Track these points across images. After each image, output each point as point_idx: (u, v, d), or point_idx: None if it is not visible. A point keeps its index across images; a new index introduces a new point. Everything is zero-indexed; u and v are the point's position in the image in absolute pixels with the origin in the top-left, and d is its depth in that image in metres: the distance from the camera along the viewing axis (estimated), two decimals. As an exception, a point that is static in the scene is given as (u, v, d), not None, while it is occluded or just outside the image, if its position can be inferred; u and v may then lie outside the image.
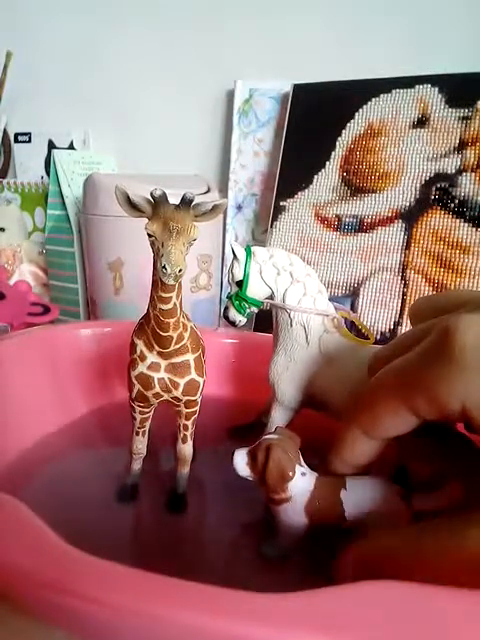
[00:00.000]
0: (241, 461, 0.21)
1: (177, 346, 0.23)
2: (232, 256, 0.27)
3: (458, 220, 0.44)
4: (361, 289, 0.46)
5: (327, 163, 0.49)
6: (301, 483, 0.20)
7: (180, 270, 0.19)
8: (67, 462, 0.30)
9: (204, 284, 0.50)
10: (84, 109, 0.65)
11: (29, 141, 0.67)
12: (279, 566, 0.22)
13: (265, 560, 0.22)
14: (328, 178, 0.49)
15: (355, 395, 0.20)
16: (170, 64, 0.60)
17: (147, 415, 0.26)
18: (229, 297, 0.28)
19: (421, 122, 0.46)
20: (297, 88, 0.52)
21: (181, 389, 0.24)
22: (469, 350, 0.15)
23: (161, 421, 0.27)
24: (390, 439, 0.19)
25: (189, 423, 0.26)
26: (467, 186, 0.43)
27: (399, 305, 0.45)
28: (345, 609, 0.13)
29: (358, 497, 0.20)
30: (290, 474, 0.20)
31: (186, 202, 0.19)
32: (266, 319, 0.31)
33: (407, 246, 0.45)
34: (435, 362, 0.16)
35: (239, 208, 0.58)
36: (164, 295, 0.21)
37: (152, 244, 0.20)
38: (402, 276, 0.45)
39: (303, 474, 0.21)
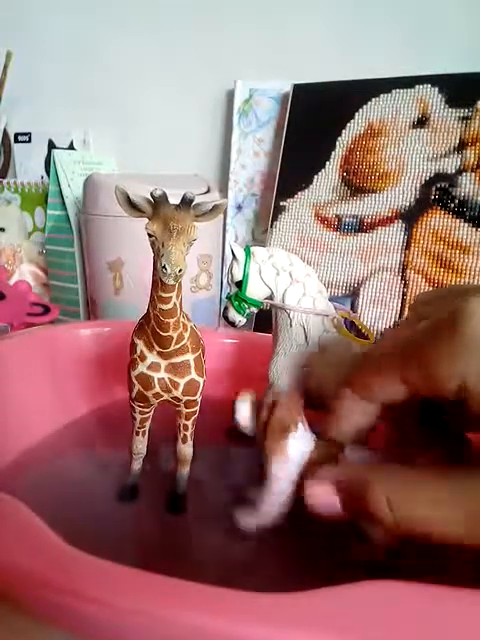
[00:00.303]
0: (244, 411, 0.21)
1: (177, 346, 0.23)
2: (231, 256, 0.27)
3: (458, 220, 0.44)
4: (361, 289, 0.46)
5: (327, 163, 0.49)
6: (300, 444, 0.20)
7: (180, 270, 0.19)
8: (67, 462, 0.30)
9: (204, 284, 0.50)
10: (84, 109, 0.65)
11: (29, 141, 0.67)
12: (279, 566, 0.22)
13: (244, 538, 0.21)
14: (328, 178, 0.49)
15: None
16: (170, 64, 0.60)
17: (147, 415, 0.26)
18: (229, 297, 0.28)
19: (421, 122, 0.46)
20: (297, 88, 0.51)
21: (181, 389, 0.24)
22: (476, 330, 0.15)
23: (161, 421, 0.27)
24: (385, 411, 0.19)
25: (189, 423, 0.26)
26: (467, 186, 0.43)
27: (399, 305, 0.45)
28: (345, 609, 0.13)
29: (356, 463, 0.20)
30: (292, 430, 0.20)
31: (186, 202, 0.19)
32: (266, 319, 0.31)
33: (407, 246, 0.45)
34: (440, 339, 0.16)
35: (239, 208, 0.58)
36: (164, 295, 0.21)
37: (152, 244, 0.20)
38: (402, 276, 0.45)
39: (303, 436, 0.20)
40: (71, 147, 0.64)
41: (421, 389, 0.17)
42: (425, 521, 0.15)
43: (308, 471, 0.19)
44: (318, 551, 0.22)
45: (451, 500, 0.15)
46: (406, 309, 0.44)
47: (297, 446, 0.20)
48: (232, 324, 0.28)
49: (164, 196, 0.19)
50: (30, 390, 0.32)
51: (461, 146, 0.44)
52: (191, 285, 0.48)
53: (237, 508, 0.21)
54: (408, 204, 0.46)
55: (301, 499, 0.19)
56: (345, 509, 0.17)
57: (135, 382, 0.24)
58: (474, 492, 0.15)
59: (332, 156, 0.49)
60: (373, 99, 0.48)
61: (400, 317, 0.45)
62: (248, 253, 0.27)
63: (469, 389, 0.16)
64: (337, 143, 0.49)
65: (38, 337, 0.35)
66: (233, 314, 0.28)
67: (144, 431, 0.27)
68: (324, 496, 0.17)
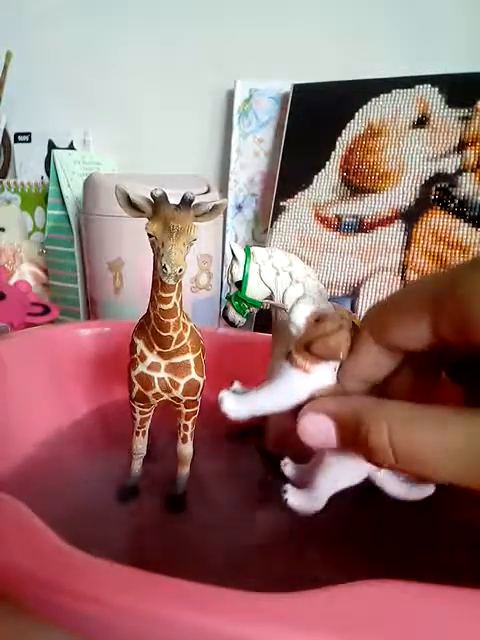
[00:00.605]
0: (302, 316, 0.19)
1: (177, 346, 0.23)
2: (231, 257, 0.27)
3: (458, 220, 0.43)
4: (361, 289, 0.46)
5: (327, 163, 0.49)
6: (329, 374, 0.18)
7: (180, 270, 0.19)
8: (67, 462, 0.30)
9: (204, 284, 0.50)
10: (84, 109, 0.65)
11: (29, 141, 0.67)
12: (279, 566, 0.22)
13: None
14: (328, 178, 0.49)
15: None
16: (170, 64, 0.60)
17: (147, 415, 0.26)
18: (229, 297, 0.28)
19: (421, 122, 0.46)
20: (297, 88, 0.51)
21: (181, 389, 0.24)
22: None
23: (161, 421, 0.27)
24: (400, 363, 0.18)
25: (189, 423, 0.26)
26: (467, 186, 0.43)
27: (399, 305, 0.45)
28: (345, 609, 0.13)
29: None
30: (334, 359, 0.18)
31: (186, 202, 0.19)
32: (266, 319, 0.31)
33: (407, 246, 0.45)
34: (475, 273, 0.14)
35: (239, 208, 0.58)
36: (164, 295, 0.21)
37: (152, 244, 0.20)
38: (402, 276, 0.45)
39: (333, 372, 0.18)
40: (71, 147, 0.64)
41: (449, 330, 0.15)
42: (425, 456, 0.14)
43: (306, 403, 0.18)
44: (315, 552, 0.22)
45: (458, 435, 0.14)
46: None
47: (325, 376, 0.18)
48: (232, 324, 0.28)
49: (164, 196, 0.19)
50: (30, 390, 0.32)
51: (461, 146, 0.44)
52: (191, 285, 0.48)
53: (222, 391, 0.19)
54: (408, 204, 0.46)
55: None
56: (341, 437, 0.16)
57: (135, 382, 0.24)
58: (472, 427, 0.13)
59: (332, 156, 0.49)
60: (373, 99, 0.48)
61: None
62: (248, 253, 0.27)
63: None
64: (337, 143, 0.49)
65: (38, 337, 0.35)
66: (233, 314, 0.28)
67: (144, 431, 0.27)
68: (318, 425, 0.16)
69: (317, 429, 0.16)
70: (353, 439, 0.15)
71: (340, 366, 0.18)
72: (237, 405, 0.19)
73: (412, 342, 0.16)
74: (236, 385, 0.20)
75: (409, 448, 0.14)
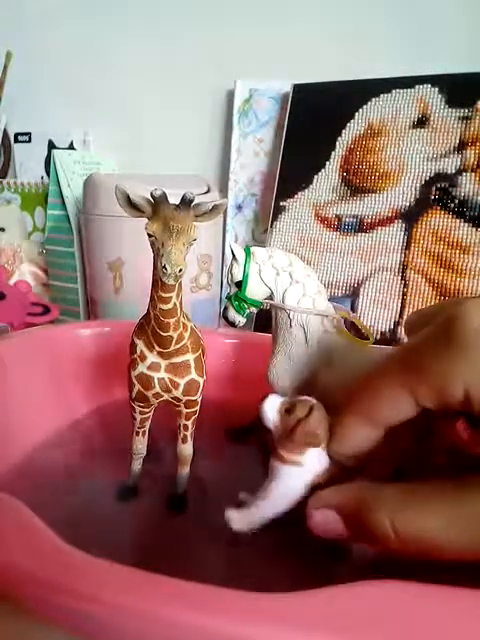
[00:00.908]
0: (272, 409, 0.20)
1: (177, 346, 0.23)
2: (231, 257, 0.27)
3: (458, 220, 0.44)
4: (361, 289, 0.46)
5: (327, 163, 0.49)
6: (318, 458, 0.19)
7: (180, 270, 0.19)
8: (67, 462, 0.30)
9: (204, 284, 0.50)
10: (84, 109, 0.65)
11: (29, 141, 0.67)
12: (278, 565, 0.22)
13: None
14: (328, 178, 0.49)
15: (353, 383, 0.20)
16: (170, 64, 0.60)
17: (147, 415, 0.26)
18: (229, 297, 0.28)
19: (421, 122, 0.46)
20: (297, 88, 0.52)
21: (181, 389, 0.24)
22: (473, 333, 0.15)
23: (161, 421, 0.27)
24: (390, 430, 0.19)
25: (189, 423, 0.26)
26: (467, 186, 0.43)
27: (399, 305, 0.45)
28: (345, 609, 0.13)
29: None
30: (318, 444, 0.19)
31: (186, 202, 0.19)
32: (266, 319, 0.31)
33: (407, 246, 0.45)
34: (439, 346, 0.16)
35: (239, 208, 0.58)
36: (164, 295, 0.21)
37: (152, 244, 0.20)
38: (402, 276, 0.45)
39: (322, 454, 0.20)
40: (71, 147, 0.64)
41: (430, 401, 0.16)
42: (429, 538, 0.15)
43: (311, 495, 0.19)
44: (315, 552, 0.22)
45: (452, 514, 0.15)
46: (406, 309, 0.44)
47: (315, 461, 0.19)
48: (232, 324, 0.28)
49: (164, 196, 0.19)
50: (30, 390, 0.32)
51: (461, 146, 0.44)
52: (191, 285, 0.48)
53: (228, 509, 0.21)
54: (408, 204, 0.46)
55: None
56: (348, 532, 0.17)
57: (135, 382, 0.24)
58: (472, 505, 0.15)
59: (332, 156, 0.49)
60: (373, 99, 0.48)
61: (400, 317, 0.45)
62: (248, 253, 0.27)
63: (472, 395, 0.15)
64: (337, 143, 0.49)
65: (38, 337, 0.35)
66: (233, 314, 0.28)
67: (144, 431, 0.27)
68: (326, 520, 0.17)
69: (325, 526, 0.17)
70: (358, 531, 0.16)
71: (329, 445, 0.19)
72: (246, 524, 0.20)
73: (396, 418, 0.18)
74: (242, 495, 0.22)
75: (412, 531, 0.15)
